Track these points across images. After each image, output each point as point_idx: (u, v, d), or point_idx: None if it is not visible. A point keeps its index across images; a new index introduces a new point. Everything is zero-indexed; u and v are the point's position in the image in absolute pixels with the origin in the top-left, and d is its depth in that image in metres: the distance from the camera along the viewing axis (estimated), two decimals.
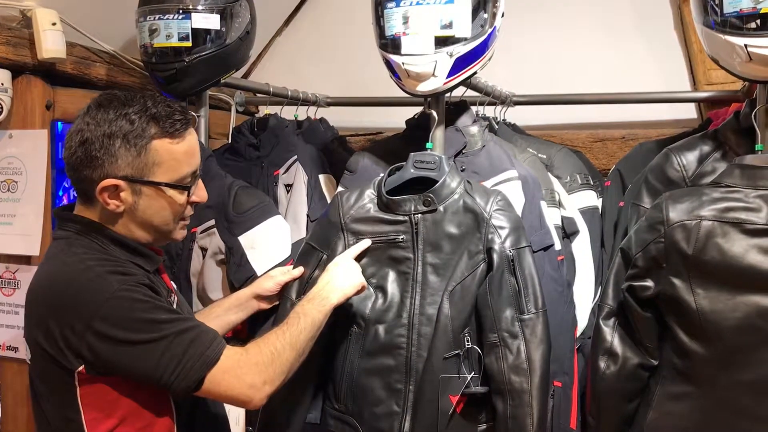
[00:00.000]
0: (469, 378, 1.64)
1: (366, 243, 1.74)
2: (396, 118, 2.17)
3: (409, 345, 1.69)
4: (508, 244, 1.68)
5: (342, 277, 1.63)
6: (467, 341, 1.67)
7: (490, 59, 1.83)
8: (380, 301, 1.74)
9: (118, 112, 1.33)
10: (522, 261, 1.68)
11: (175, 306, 1.43)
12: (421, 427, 1.67)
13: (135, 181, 1.34)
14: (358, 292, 1.67)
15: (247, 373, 1.34)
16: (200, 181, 1.46)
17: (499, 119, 2.36)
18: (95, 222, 1.38)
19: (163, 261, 1.50)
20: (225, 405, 1.64)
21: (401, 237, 1.74)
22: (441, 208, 1.72)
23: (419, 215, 1.72)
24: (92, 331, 1.26)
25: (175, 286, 1.59)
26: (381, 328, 1.72)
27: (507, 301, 1.65)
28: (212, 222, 2.03)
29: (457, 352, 1.66)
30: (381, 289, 1.75)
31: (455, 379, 1.66)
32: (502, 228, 1.69)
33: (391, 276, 1.75)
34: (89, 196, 1.37)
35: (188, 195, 1.40)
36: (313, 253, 1.81)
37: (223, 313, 1.77)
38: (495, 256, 1.67)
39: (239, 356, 1.35)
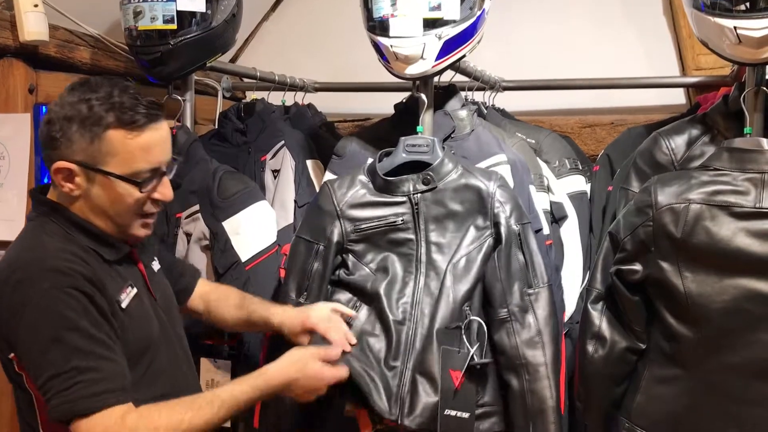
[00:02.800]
0: (472, 351, 1.62)
1: (337, 352, 1.58)
2: (385, 104, 2.16)
3: (411, 321, 1.67)
4: (513, 219, 1.69)
5: (304, 381, 1.49)
6: (468, 314, 1.66)
7: (479, 42, 1.82)
8: (381, 279, 1.72)
9: (82, 96, 1.32)
10: (527, 236, 1.70)
11: (126, 302, 1.36)
12: (421, 401, 1.63)
13: (88, 167, 1.32)
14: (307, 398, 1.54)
15: None
16: (166, 180, 1.41)
17: (488, 104, 2.35)
18: (60, 205, 1.37)
19: (133, 249, 1.45)
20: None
21: (401, 219, 1.72)
22: (441, 186, 1.71)
23: (419, 194, 1.71)
24: (12, 320, 1.27)
25: (156, 267, 1.54)
26: (384, 305, 1.69)
27: (516, 276, 1.66)
28: (197, 207, 2.02)
29: (458, 324, 1.65)
30: (383, 270, 1.73)
31: (455, 353, 1.64)
32: (506, 203, 1.69)
33: (393, 258, 1.73)
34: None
35: (140, 191, 1.35)
36: (307, 247, 1.77)
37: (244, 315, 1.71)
38: (503, 230, 1.67)
39: (112, 423, 1.25)
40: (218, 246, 1.98)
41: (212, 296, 1.74)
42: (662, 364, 1.61)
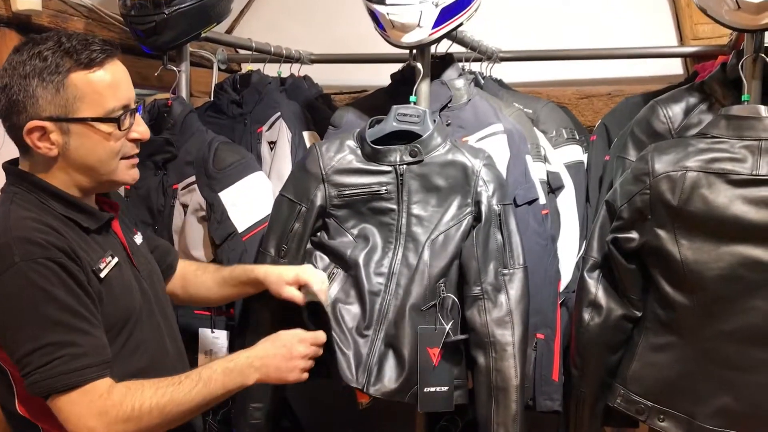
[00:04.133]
0: (447, 328, 1.65)
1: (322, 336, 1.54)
2: (382, 76, 2.14)
3: (386, 292, 1.69)
4: (495, 199, 1.69)
5: (281, 362, 1.44)
6: (442, 291, 1.67)
7: (476, 11, 1.81)
8: (361, 247, 1.73)
9: (31, 52, 1.28)
10: (508, 217, 1.70)
11: (105, 271, 1.33)
12: (390, 372, 1.67)
13: (60, 119, 1.28)
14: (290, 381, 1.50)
15: (91, 419, 1.23)
16: (139, 117, 1.37)
17: (485, 75, 2.34)
18: (33, 175, 1.32)
19: (113, 217, 1.42)
20: None
21: (384, 189, 1.73)
22: (427, 159, 1.71)
23: (404, 166, 1.71)
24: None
25: (138, 240, 1.51)
26: (362, 273, 1.70)
27: (493, 255, 1.66)
28: (193, 178, 2.00)
29: (433, 303, 1.67)
30: (363, 238, 1.74)
31: (431, 331, 1.66)
32: (490, 182, 1.69)
33: (374, 227, 1.74)
34: (23, 145, 1.31)
35: (119, 128, 1.32)
36: (290, 206, 1.78)
37: (215, 286, 1.70)
38: (483, 209, 1.67)
39: (95, 398, 1.23)
40: (215, 217, 1.97)
41: (189, 269, 1.73)
42: (658, 331, 1.62)
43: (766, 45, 1.61)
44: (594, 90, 2.63)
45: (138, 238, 1.52)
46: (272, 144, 2.24)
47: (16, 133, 1.30)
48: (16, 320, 1.22)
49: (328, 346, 1.58)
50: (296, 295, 1.60)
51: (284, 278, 1.62)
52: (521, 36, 2.63)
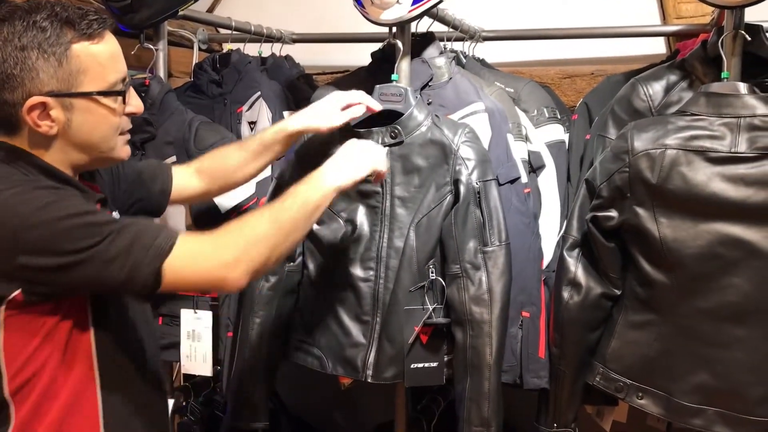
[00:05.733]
0: (431, 309, 1.65)
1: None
2: (364, 56, 2.12)
3: (377, 278, 1.71)
4: (475, 176, 1.67)
5: (353, 157, 1.45)
6: (432, 273, 1.67)
7: None
8: (350, 234, 1.74)
9: (26, 21, 1.17)
10: (488, 194, 1.68)
11: None
12: (386, 357, 1.70)
13: (63, 95, 1.20)
14: (376, 177, 1.51)
15: (215, 251, 1.20)
16: (132, 90, 1.31)
17: (468, 54, 2.32)
18: (20, 149, 1.23)
19: (104, 197, 1.34)
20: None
21: None
22: (408, 140, 1.70)
23: (386, 148, 1.70)
24: (22, 248, 1.13)
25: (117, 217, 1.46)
26: (351, 261, 1.73)
27: (471, 233, 1.65)
28: (173, 158, 1.99)
29: (422, 284, 1.68)
30: (351, 222, 1.74)
31: (419, 310, 1.68)
32: (469, 160, 1.67)
33: (361, 210, 1.74)
34: (13, 123, 1.22)
35: (123, 102, 1.26)
36: (296, 168, 1.77)
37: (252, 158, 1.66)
38: (462, 188, 1.66)
39: (201, 238, 1.22)
40: None
41: (205, 163, 1.67)
42: (637, 309, 1.63)
43: (746, 22, 1.61)
44: (577, 69, 2.61)
45: (116, 215, 1.45)
46: (252, 124, 2.22)
47: (7, 111, 1.20)
48: (71, 246, 1.13)
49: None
50: (355, 110, 1.64)
51: (333, 108, 1.62)
52: (504, 15, 2.61)
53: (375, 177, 1.51)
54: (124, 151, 1.33)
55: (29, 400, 1.21)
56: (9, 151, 1.23)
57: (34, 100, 1.18)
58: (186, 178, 1.66)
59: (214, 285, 1.24)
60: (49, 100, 1.19)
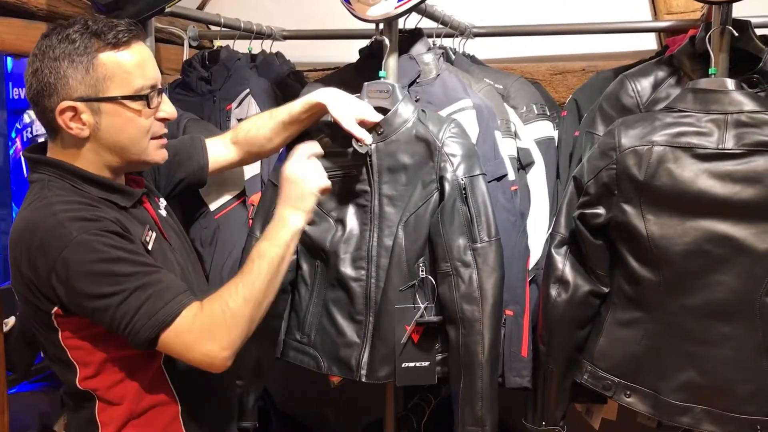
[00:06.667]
0: (422, 308, 1.65)
1: (315, 146, 1.62)
2: (355, 53, 2.11)
3: (368, 277, 1.70)
4: (460, 172, 1.65)
5: (299, 190, 1.50)
6: (422, 271, 1.67)
7: None
8: (340, 234, 1.73)
9: (60, 36, 1.33)
10: (475, 189, 1.66)
11: (151, 244, 1.39)
12: (379, 356, 1.69)
13: (91, 99, 1.32)
14: (324, 192, 1.54)
15: (202, 340, 1.29)
16: (166, 97, 1.42)
17: (457, 51, 2.31)
18: (65, 163, 1.36)
19: (145, 192, 1.47)
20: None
21: (356, 170, 1.71)
22: (394, 137, 1.69)
23: (373, 146, 1.69)
24: (55, 277, 1.27)
25: (164, 212, 1.54)
26: (342, 261, 1.72)
27: (459, 230, 1.64)
28: None
29: (412, 283, 1.67)
30: (341, 222, 1.74)
31: (410, 309, 1.67)
32: (454, 156, 1.66)
33: (351, 209, 1.74)
34: (54, 128, 1.36)
35: (148, 106, 1.36)
36: (274, 190, 1.74)
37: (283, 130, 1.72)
38: (447, 185, 1.65)
39: (194, 320, 1.29)
40: (186, 194, 1.95)
41: (240, 134, 1.76)
42: (624, 307, 1.63)
43: (734, 17, 1.60)
44: (568, 66, 2.60)
45: (163, 212, 1.55)
46: (241, 121, 2.21)
47: (47, 116, 1.34)
48: (93, 287, 1.25)
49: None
50: (360, 133, 1.66)
51: (357, 113, 1.66)
52: (495, 11, 2.60)
53: (323, 193, 1.54)
54: (158, 154, 1.43)
55: (104, 386, 1.35)
56: (57, 166, 1.36)
57: (65, 104, 1.32)
58: (222, 150, 1.76)
59: (201, 367, 1.32)
60: (78, 104, 1.32)
